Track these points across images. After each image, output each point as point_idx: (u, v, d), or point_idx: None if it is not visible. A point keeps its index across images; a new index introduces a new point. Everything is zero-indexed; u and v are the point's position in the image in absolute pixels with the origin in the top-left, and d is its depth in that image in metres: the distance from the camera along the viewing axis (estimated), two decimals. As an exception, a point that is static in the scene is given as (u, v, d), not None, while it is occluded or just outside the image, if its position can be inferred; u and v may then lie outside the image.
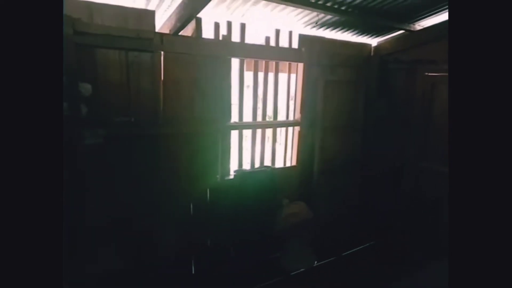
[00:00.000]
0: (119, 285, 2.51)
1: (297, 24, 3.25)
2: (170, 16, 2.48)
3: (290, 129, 3.51)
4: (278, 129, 3.51)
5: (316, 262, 3.41)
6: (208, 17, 2.71)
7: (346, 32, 3.63)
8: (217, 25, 2.77)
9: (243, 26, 2.91)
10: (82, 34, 2.14)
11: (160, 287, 2.73)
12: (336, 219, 3.79)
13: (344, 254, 3.74)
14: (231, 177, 3.06)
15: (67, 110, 2.16)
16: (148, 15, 2.38)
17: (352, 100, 3.71)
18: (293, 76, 3.42)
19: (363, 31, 3.64)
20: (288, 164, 3.56)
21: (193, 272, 3.00)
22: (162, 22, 2.59)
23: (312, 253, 3.40)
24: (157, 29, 2.47)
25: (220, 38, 2.78)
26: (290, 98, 3.50)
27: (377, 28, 3.55)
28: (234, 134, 3.12)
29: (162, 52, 2.47)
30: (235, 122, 3.05)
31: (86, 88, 2.21)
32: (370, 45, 3.84)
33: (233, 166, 3.15)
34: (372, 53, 3.84)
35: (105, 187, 2.38)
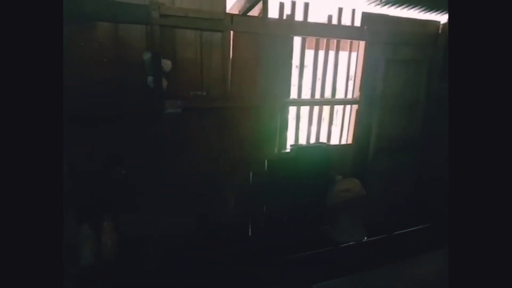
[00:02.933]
0: (182, 244, 2.93)
1: (361, 2, 3.24)
2: (240, -3, 2.68)
3: (348, 107, 3.57)
4: (335, 108, 3.59)
5: (366, 237, 3.53)
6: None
7: (413, 9, 3.50)
8: (281, 5, 2.91)
9: (306, 6, 3.00)
10: (165, 16, 2.43)
11: (219, 246, 3.10)
12: (390, 198, 3.82)
13: (395, 233, 3.79)
14: (288, 150, 3.26)
15: (152, 83, 2.53)
16: (220, -3, 2.61)
17: (415, 79, 3.62)
18: (353, 54, 3.44)
19: (432, 7, 3.47)
20: (343, 142, 3.65)
21: (249, 234, 3.32)
22: (232, 3, 2.79)
23: (362, 229, 3.52)
24: (227, 10, 2.69)
25: (284, 17, 2.92)
26: (349, 77, 3.54)
27: (447, 3, 3.37)
28: (292, 110, 3.29)
29: (231, 32, 2.69)
30: (294, 99, 3.21)
31: (167, 64, 2.54)
32: (439, 22, 3.65)
33: (290, 140, 3.34)
34: (440, 31, 3.66)
35: (181, 151, 2.75)
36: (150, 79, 2.50)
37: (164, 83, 2.54)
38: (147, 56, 2.46)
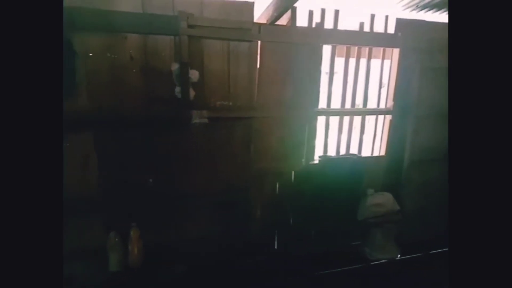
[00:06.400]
0: (207, 254, 2.89)
1: (396, 8, 3.10)
2: (268, 6, 2.65)
3: (380, 117, 3.41)
4: (367, 118, 3.44)
5: (399, 255, 3.32)
6: (304, 5, 2.78)
7: (452, 13, 3.30)
8: (311, 13, 2.84)
9: (336, 13, 2.92)
10: (193, 27, 2.45)
11: (246, 257, 3.04)
12: (427, 214, 3.57)
13: (431, 252, 3.54)
14: (316, 162, 3.15)
15: (179, 94, 2.54)
16: (248, 7, 2.58)
17: (454, 88, 3.39)
18: (386, 62, 3.29)
19: (473, 11, 3.26)
20: (375, 154, 3.48)
21: (275, 247, 3.23)
22: (260, 12, 2.77)
23: (395, 246, 3.32)
24: (255, 19, 2.66)
25: (314, 25, 2.85)
26: (382, 85, 3.38)
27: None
28: (321, 120, 3.19)
29: (259, 41, 2.66)
30: (323, 109, 3.11)
31: (194, 74, 2.55)
32: (481, 26, 3.42)
33: (318, 151, 3.23)
34: (482, 36, 3.42)
35: (208, 161, 2.75)
36: (177, 89, 2.52)
37: (192, 93, 2.55)
38: (175, 66, 2.48)
